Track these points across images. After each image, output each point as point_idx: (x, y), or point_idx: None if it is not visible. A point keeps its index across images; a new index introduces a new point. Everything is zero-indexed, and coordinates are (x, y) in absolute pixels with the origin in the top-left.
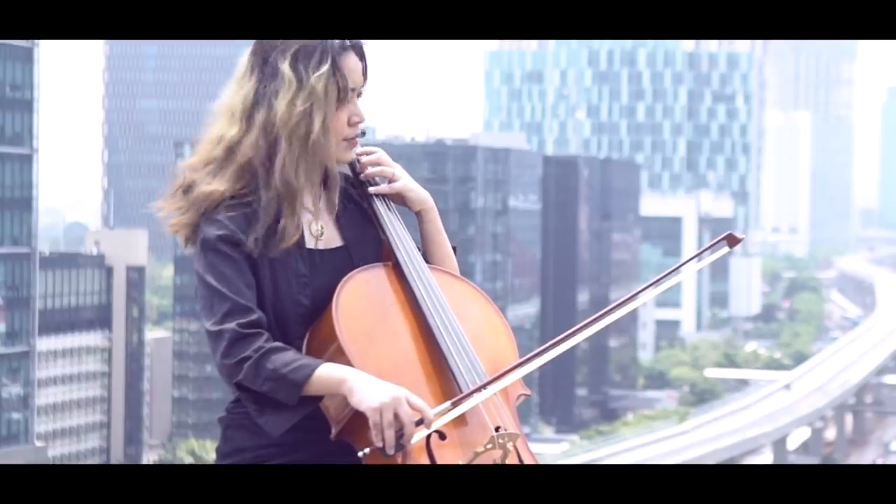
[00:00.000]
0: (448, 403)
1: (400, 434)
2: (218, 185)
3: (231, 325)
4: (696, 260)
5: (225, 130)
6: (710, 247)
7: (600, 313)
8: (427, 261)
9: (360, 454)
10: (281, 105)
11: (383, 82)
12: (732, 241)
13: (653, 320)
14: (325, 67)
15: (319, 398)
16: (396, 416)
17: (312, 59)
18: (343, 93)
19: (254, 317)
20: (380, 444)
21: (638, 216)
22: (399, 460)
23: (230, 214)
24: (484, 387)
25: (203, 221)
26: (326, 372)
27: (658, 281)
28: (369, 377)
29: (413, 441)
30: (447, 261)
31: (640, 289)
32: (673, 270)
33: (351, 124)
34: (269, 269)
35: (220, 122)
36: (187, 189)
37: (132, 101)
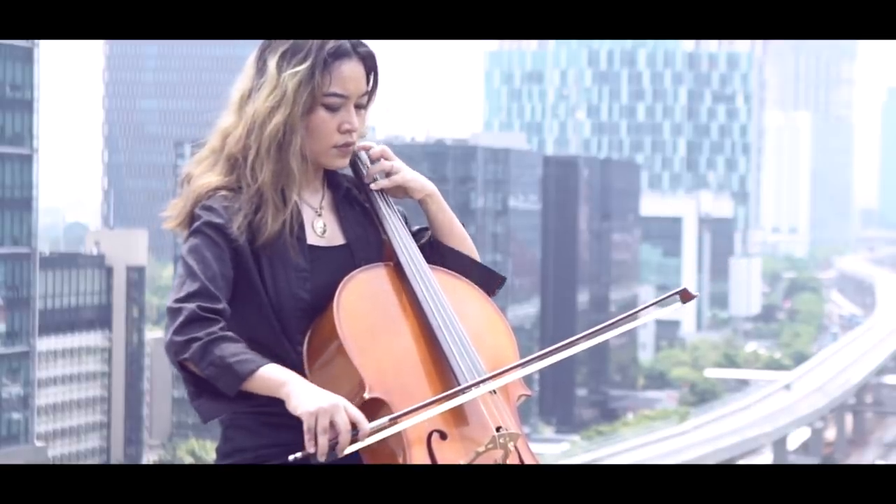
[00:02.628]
0: (386, 419)
1: (334, 443)
2: (210, 178)
3: (192, 304)
4: (646, 311)
5: (224, 122)
6: (663, 299)
7: (557, 347)
8: (442, 246)
9: (290, 458)
10: (259, 100)
11: (383, 82)
12: (686, 296)
13: (653, 320)
14: (303, 67)
15: (256, 396)
16: (333, 424)
17: (296, 56)
18: (318, 97)
19: (218, 305)
20: (312, 450)
21: (638, 216)
22: (399, 459)
23: (225, 205)
24: (447, 398)
25: (198, 209)
26: (270, 372)
27: (612, 325)
28: (310, 385)
29: (345, 452)
30: (464, 242)
31: (591, 330)
32: (626, 317)
33: (341, 131)
34: (269, 264)
35: (224, 115)
36: (188, 181)
37: (132, 101)
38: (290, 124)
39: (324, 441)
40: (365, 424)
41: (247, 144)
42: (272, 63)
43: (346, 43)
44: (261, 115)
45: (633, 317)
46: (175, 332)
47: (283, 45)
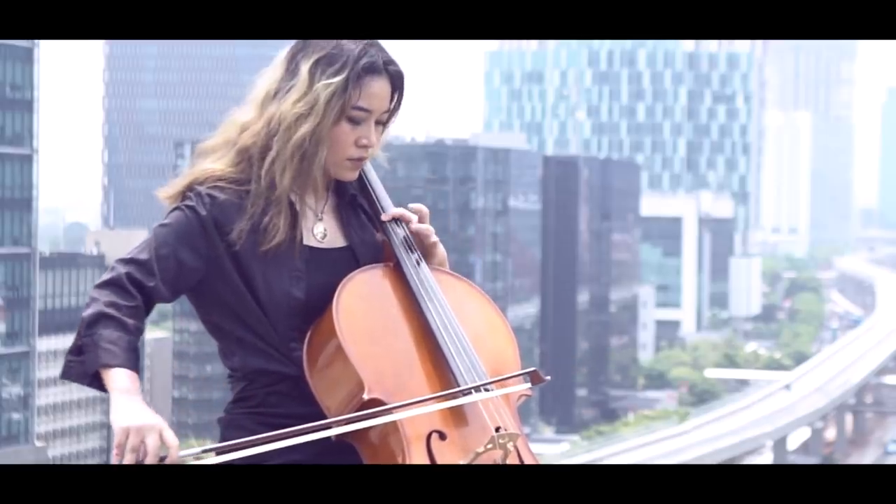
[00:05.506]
0: (199, 449)
1: (141, 463)
2: (217, 165)
3: (124, 269)
4: (493, 386)
5: (243, 115)
6: (513, 376)
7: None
8: None
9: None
10: (287, 103)
11: None
12: (536, 378)
13: (653, 320)
14: (338, 79)
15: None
16: (144, 444)
17: (331, 67)
18: (346, 110)
19: (149, 282)
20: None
21: (638, 216)
22: (399, 459)
23: (220, 197)
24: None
25: (191, 191)
26: (117, 376)
27: (462, 392)
28: (138, 402)
29: None
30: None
31: (442, 393)
32: (474, 387)
33: (358, 145)
34: (262, 264)
35: (244, 108)
36: (195, 164)
37: (132, 101)
38: (317, 135)
39: (130, 459)
40: (175, 453)
41: (266, 144)
42: (305, 68)
43: (378, 59)
44: (287, 119)
45: (481, 389)
46: (97, 285)
47: (318, 51)
